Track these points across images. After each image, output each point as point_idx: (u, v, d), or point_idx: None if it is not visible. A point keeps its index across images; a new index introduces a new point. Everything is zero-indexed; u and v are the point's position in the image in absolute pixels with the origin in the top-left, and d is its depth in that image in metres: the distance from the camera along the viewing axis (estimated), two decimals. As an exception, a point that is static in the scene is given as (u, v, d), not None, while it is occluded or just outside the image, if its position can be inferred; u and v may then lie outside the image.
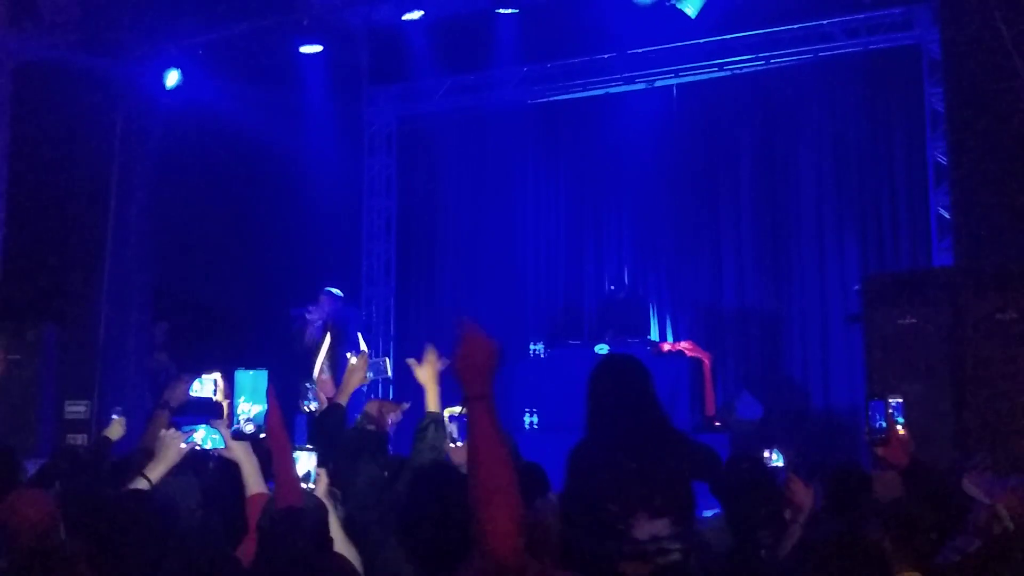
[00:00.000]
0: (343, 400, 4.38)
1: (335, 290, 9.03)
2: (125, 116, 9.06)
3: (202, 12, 9.08)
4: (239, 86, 9.25)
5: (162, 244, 9.26)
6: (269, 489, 3.32)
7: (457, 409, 3.57)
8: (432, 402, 3.88)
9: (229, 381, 3.40)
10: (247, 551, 3.06)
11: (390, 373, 4.82)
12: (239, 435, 3.15)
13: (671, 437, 3.37)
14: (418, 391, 3.99)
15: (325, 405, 4.90)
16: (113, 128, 9.00)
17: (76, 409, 8.29)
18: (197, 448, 3.44)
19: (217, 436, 3.39)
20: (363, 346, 5.09)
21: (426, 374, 3.92)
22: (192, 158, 9.25)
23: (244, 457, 3.26)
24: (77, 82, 8.94)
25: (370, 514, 3.64)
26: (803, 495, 3.75)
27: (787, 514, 3.67)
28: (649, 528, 3.12)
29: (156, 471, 3.38)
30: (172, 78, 9.09)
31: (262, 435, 3.17)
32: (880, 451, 3.46)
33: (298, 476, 3.33)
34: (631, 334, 9.42)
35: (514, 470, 2.04)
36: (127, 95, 9.03)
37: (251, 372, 3.15)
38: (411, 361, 3.96)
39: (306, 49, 9.37)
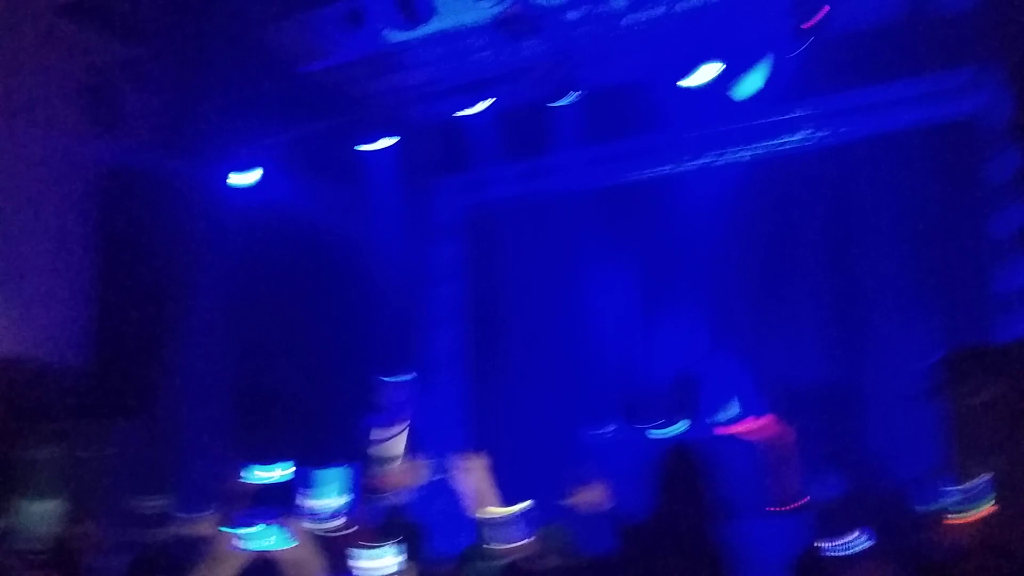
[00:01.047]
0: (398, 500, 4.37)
1: (398, 379, 8.98)
2: (204, 215, 9.42)
3: (277, 114, 9.46)
4: (313, 182, 9.56)
5: (242, 340, 9.47)
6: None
7: (519, 507, 3.55)
8: (487, 502, 3.87)
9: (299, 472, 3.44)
10: None
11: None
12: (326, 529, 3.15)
13: (713, 535, 3.32)
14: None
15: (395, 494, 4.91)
16: (193, 227, 9.35)
17: (153, 504, 8.42)
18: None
19: (278, 536, 3.28)
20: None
21: (477, 475, 3.93)
22: (266, 254, 9.53)
23: (310, 558, 3.17)
24: (160, 184, 9.35)
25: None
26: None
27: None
28: None
29: None
30: (251, 177, 9.43)
31: (350, 530, 3.17)
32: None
33: None
34: (709, 414, 9.20)
35: None
36: (207, 195, 9.40)
37: (332, 469, 3.18)
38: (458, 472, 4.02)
39: (375, 145, 9.64)
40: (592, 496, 4.17)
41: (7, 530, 6.23)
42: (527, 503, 3.52)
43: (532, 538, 3.47)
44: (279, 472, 3.25)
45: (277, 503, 3.51)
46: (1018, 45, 7.61)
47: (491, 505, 3.83)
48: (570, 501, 3.86)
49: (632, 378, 11.12)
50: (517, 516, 3.54)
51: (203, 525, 5.34)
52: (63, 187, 9.54)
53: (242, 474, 3.74)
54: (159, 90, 9.88)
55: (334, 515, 3.10)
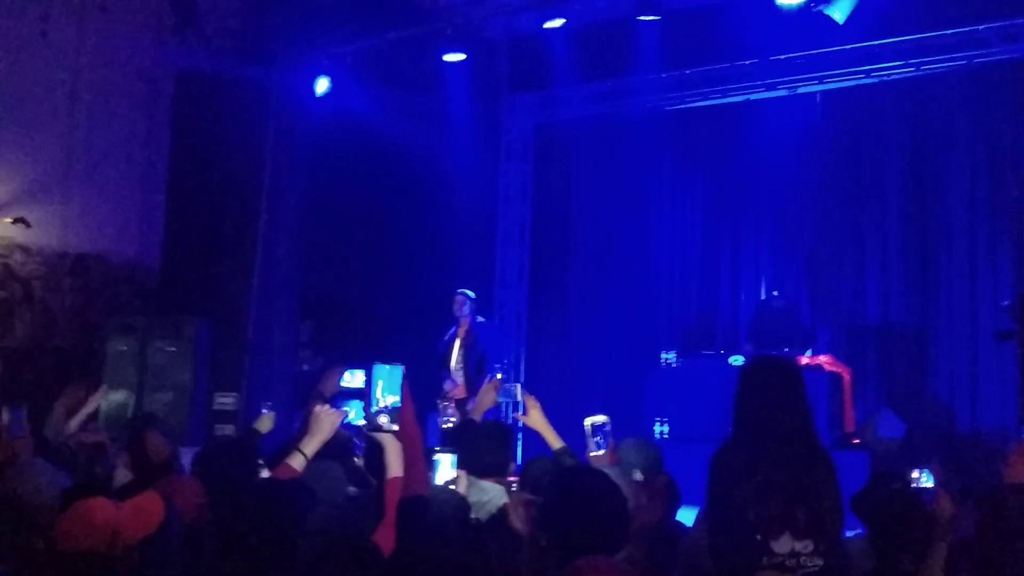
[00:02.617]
0: (476, 418, 4.50)
1: (470, 292, 9.22)
2: (276, 122, 9.47)
3: (351, 22, 9.40)
4: (384, 93, 9.53)
5: (309, 246, 9.63)
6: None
7: (600, 418, 3.59)
8: (553, 440, 4.04)
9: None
10: (384, 537, 3.14)
11: (520, 398, 4.90)
12: (373, 426, 3.24)
13: (820, 451, 3.22)
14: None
15: (458, 420, 5.02)
16: (266, 134, 9.42)
17: (225, 401, 8.70)
18: (349, 423, 3.52)
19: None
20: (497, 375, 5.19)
21: (535, 420, 4.08)
22: (338, 163, 9.59)
23: (388, 438, 3.29)
24: (233, 89, 9.40)
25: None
26: (951, 514, 3.62)
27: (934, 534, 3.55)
28: (790, 544, 3.05)
29: (310, 446, 3.48)
30: (322, 85, 9.45)
31: (395, 427, 3.26)
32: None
33: (427, 468, 3.42)
34: (778, 345, 9.12)
35: None
36: (279, 102, 9.44)
37: (387, 366, 3.25)
38: (519, 416, 4.23)
39: (449, 57, 9.57)
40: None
41: (86, 418, 6.47)
42: (604, 417, 3.57)
43: (611, 449, 3.53)
44: (360, 377, 3.31)
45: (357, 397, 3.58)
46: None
47: (553, 442, 3.96)
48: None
49: (696, 306, 11.11)
50: (595, 427, 3.59)
51: (265, 420, 5.52)
52: (140, 88, 9.64)
53: (335, 370, 3.84)
54: (235, -6, 9.88)
55: (385, 410, 3.17)
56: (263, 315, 9.11)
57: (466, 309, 9.06)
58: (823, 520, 3.04)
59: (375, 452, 3.47)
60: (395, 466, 3.21)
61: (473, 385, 8.65)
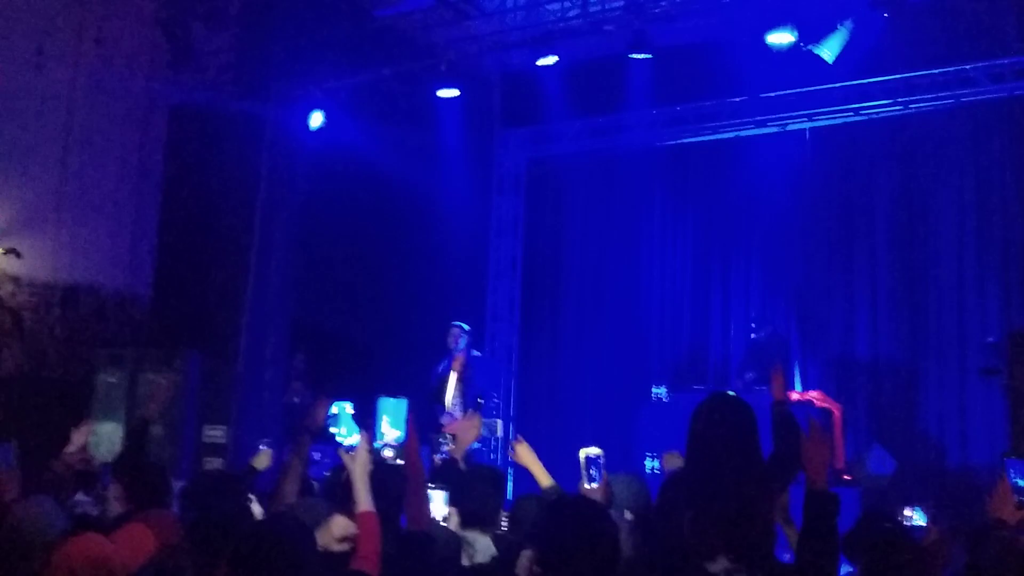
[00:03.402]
0: (458, 456, 4.47)
1: (465, 325, 9.21)
2: (270, 155, 9.52)
3: (346, 57, 9.49)
4: (378, 127, 9.60)
5: (301, 278, 9.64)
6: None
7: (595, 450, 3.58)
8: (542, 478, 3.98)
9: (361, 411, 3.51)
10: (360, 566, 3.09)
11: (500, 433, 4.89)
12: (379, 459, 3.22)
13: (764, 482, 3.27)
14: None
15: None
16: (259, 167, 9.46)
17: (214, 433, 8.65)
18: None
19: (347, 421, 3.37)
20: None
21: (524, 457, 4.06)
22: (331, 196, 9.63)
23: (357, 473, 3.21)
24: (227, 122, 9.45)
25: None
26: (941, 551, 3.65)
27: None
28: (724, 564, 3.09)
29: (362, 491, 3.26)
30: (316, 119, 9.51)
31: (399, 461, 3.24)
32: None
33: (429, 505, 3.41)
34: (766, 380, 9.13)
35: None
36: (273, 135, 9.49)
37: (392, 400, 3.25)
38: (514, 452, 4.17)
39: (443, 93, 9.65)
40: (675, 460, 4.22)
41: (72, 449, 6.43)
42: (598, 449, 3.57)
43: (605, 482, 3.52)
44: (346, 409, 3.30)
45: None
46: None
47: (542, 479, 3.93)
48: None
49: (686, 341, 11.13)
50: (589, 459, 3.58)
51: (262, 457, 5.47)
52: (134, 121, 9.69)
53: (322, 402, 3.82)
54: (230, 28, 9.95)
55: (389, 444, 3.16)
56: (254, 347, 9.10)
57: (462, 342, 9.03)
58: (758, 545, 3.08)
59: (339, 486, 3.42)
60: (364, 501, 3.18)
61: None
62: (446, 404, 8.87)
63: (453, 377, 8.97)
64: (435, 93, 9.68)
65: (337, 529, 3.19)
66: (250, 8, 9.92)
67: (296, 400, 9.10)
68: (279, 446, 7.18)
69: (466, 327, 9.16)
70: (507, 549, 3.50)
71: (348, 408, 3.51)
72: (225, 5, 10.02)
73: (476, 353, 9.24)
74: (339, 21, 9.56)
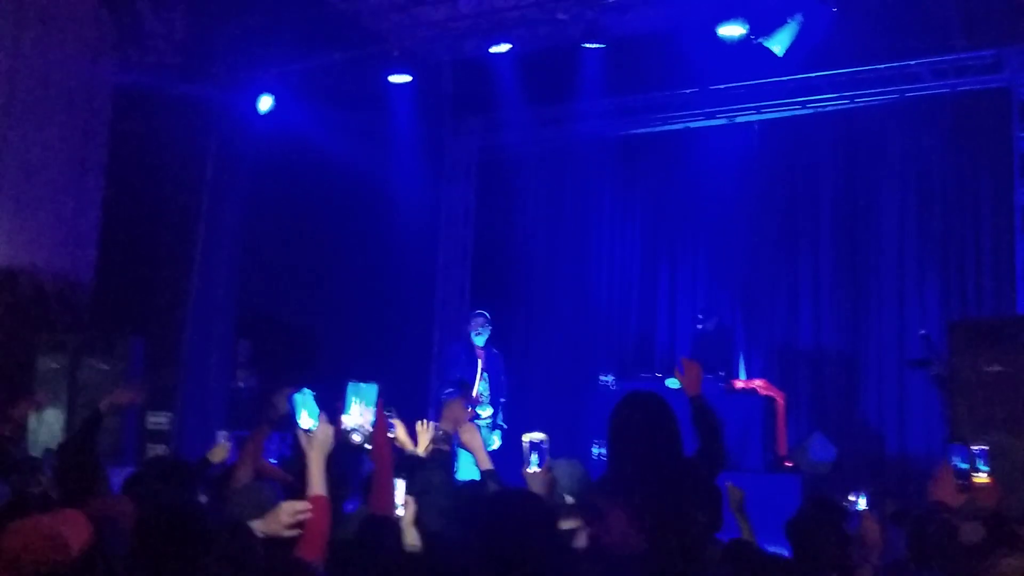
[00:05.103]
0: (445, 440, 4.42)
1: (487, 314, 8.83)
2: (218, 139, 9.38)
3: (297, 41, 9.38)
4: (329, 112, 9.51)
5: (248, 264, 9.53)
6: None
7: (538, 435, 3.60)
8: (483, 462, 3.91)
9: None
10: (304, 554, 3.07)
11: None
12: (346, 444, 3.21)
13: (684, 480, 3.32)
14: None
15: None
16: (206, 150, 9.33)
17: (158, 420, 8.52)
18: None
19: (310, 407, 3.35)
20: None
21: (469, 440, 3.98)
22: (280, 181, 9.53)
23: (314, 455, 3.21)
24: (174, 105, 9.29)
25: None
26: (875, 534, 3.75)
27: (858, 554, 3.66)
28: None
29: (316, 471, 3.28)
30: (265, 103, 9.39)
31: (368, 446, 3.23)
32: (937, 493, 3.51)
33: (393, 491, 3.39)
34: (712, 369, 9.26)
35: None
36: (221, 119, 9.35)
37: (363, 384, 3.25)
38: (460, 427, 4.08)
39: (395, 79, 9.59)
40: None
41: (13, 438, 6.30)
42: (542, 435, 3.59)
43: (547, 467, 3.54)
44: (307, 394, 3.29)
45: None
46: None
47: (483, 463, 3.90)
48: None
49: (635, 329, 11.23)
50: (532, 444, 3.59)
51: (219, 450, 5.38)
52: (77, 102, 9.46)
53: (283, 392, 3.80)
54: (178, 9, 9.78)
55: (357, 429, 3.15)
56: (199, 333, 8.98)
57: (485, 332, 8.55)
58: (693, 544, 3.14)
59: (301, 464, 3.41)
60: (317, 484, 3.17)
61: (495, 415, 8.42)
62: (470, 395, 8.40)
63: (479, 367, 8.55)
64: (387, 79, 9.62)
65: (285, 515, 3.18)
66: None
67: (241, 386, 9.01)
68: (224, 430, 7.12)
69: (488, 315, 8.75)
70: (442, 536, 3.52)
71: (308, 394, 3.50)
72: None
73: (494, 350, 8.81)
74: (290, 5, 9.44)
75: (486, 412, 8.44)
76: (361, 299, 10.17)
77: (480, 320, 8.63)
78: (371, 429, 3.21)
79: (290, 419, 3.38)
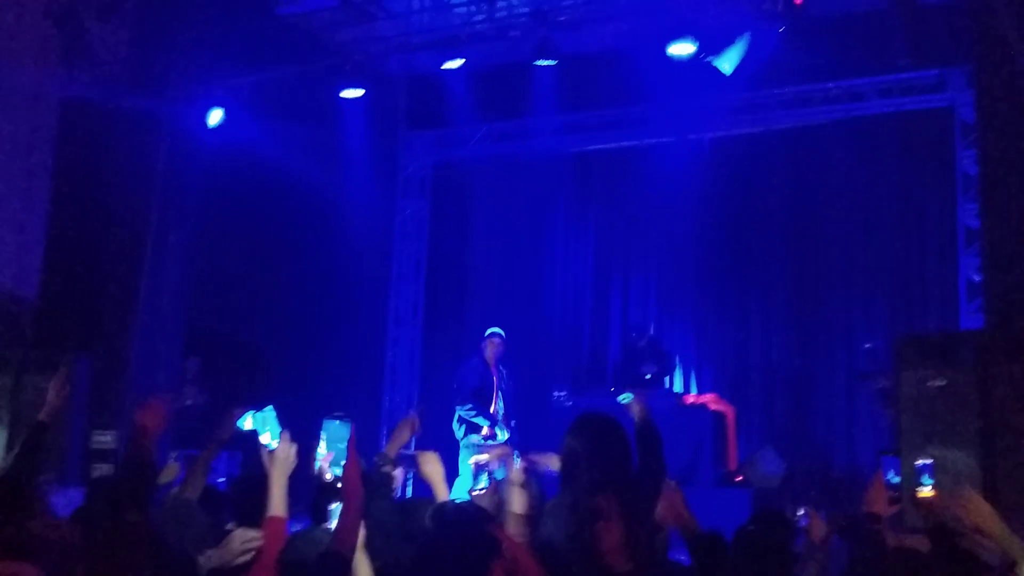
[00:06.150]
0: (391, 455, 4.33)
1: (502, 333, 8.84)
2: (167, 153, 9.25)
3: (248, 54, 9.30)
4: (280, 126, 9.43)
5: (198, 280, 9.40)
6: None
7: (483, 457, 3.61)
8: (441, 494, 3.83)
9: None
10: None
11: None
12: (321, 482, 3.17)
13: (635, 499, 3.35)
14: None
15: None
16: (155, 164, 9.19)
17: (102, 439, 8.35)
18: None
19: (272, 424, 3.29)
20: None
21: (430, 472, 3.91)
22: (231, 196, 9.42)
23: (276, 475, 3.14)
24: (121, 118, 9.15)
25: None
26: (820, 531, 3.83)
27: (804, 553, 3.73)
28: None
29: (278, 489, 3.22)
30: (215, 117, 9.30)
31: (339, 484, 3.17)
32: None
33: (359, 530, 3.34)
34: (650, 384, 9.37)
35: None
36: (170, 132, 9.23)
37: (337, 422, 3.23)
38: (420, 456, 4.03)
39: (347, 93, 9.55)
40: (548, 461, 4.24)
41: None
42: (490, 456, 3.58)
43: (493, 488, 3.53)
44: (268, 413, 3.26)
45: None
46: (978, 51, 7.77)
47: (441, 495, 3.83)
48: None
49: (586, 344, 11.26)
50: (479, 466, 3.58)
51: (169, 471, 5.28)
52: (22, 114, 9.29)
53: (233, 413, 3.74)
54: (126, 22, 9.66)
55: (332, 467, 3.14)
56: (146, 350, 8.82)
57: (500, 352, 8.56)
58: (647, 552, 3.18)
59: (255, 488, 3.35)
60: (276, 504, 3.11)
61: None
62: (488, 415, 8.45)
63: (495, 385, 8.53)
64: (339, 93, 9.58)
65: (236, 544, 3.13)
66: (148, 3, 9.64)
67: (189, 403, 8.88)
68: (171, 449, 7.02)
69: (503, 334, 8.74)
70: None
71: (269, 411, 3.47)
72: (122, -1, 9.73)
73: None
74: (241, 18, 9.36)
75: (503, 435, 8.34)
76: (313, 315, 10.09)
77: (496, 339, 8.64)
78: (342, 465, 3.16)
79: (239, 438, 3.35)
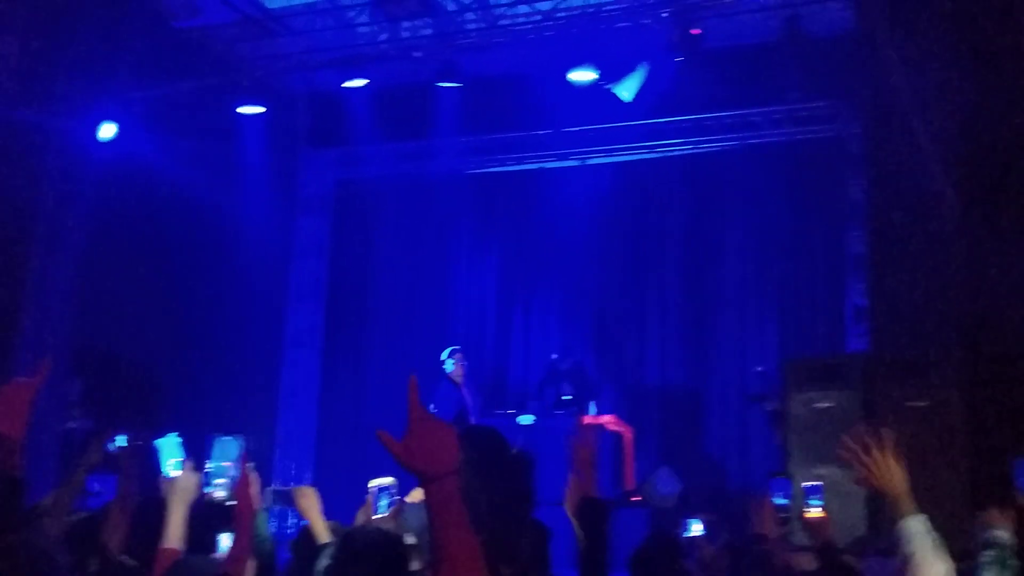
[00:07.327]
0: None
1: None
2: (55, 167, 8.94)
3: (143, 68, 9.09)
4: (176, 142, 9.23)
5: (85, 298, 9.06)
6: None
7: (387, 480, 3.55)
8: (322, 535, 3.67)
9: (150, 439, 3.36)
10: None
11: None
12: (209, 499, 3.09)
13: (522, 513, 3.34)
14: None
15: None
16: (41, 178, 8.87)
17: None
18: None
19: (175, 451, 3.19)
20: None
21: (306, 509, 3.78)
22: (123, 212, 9.13)
23: (176, 504, 3.06)
24: (8, 131, 8.81)
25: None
26: (711, 555, 3.90)
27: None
28: None
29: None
30: (108, 131, 9.02)
31: (233, 501, 3.09)
32: None
33: (249, 550, 3.24)
34: (565, 406, 9.41)
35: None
36: (60, 147, 8.93)
37: (227, 438, 3.16)
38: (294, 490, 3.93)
39: (245, 110, 9.40)
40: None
41: None
42: (391, 479, 3.53)
43: (396, 511, 3.48)
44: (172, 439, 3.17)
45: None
46: (866, 85, 8.12)
47: (320, 532, 3.72)
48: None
49: (489, 366, 11.26)
50: (380, 489, 3.52)
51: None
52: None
53: (100, 436, 3.61)
54: (15, 33, 9.33)
55: (221, 484, 3.05)
56: (28, 370, 8.46)
57: (463, 369, 8.43)
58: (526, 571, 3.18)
59: (151, 515, 3.24)
60: (173, 535, 3.03)
61: None
62: None
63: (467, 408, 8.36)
64: (237, 109, 9.42)
65: None
66: (38, 14, 9.32)
67: (73, 426, 8.55)
68: (54, 472, 6.74)
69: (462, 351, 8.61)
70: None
71: (173, 439, 3.36)
72: (11, 9, 9.39)
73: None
74: (136, 32, 9.13)
75: None
76: (206, 334, 9.83)
77: (460, 355, 8.55)
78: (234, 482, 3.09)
79: (111, 462, 3.23)
